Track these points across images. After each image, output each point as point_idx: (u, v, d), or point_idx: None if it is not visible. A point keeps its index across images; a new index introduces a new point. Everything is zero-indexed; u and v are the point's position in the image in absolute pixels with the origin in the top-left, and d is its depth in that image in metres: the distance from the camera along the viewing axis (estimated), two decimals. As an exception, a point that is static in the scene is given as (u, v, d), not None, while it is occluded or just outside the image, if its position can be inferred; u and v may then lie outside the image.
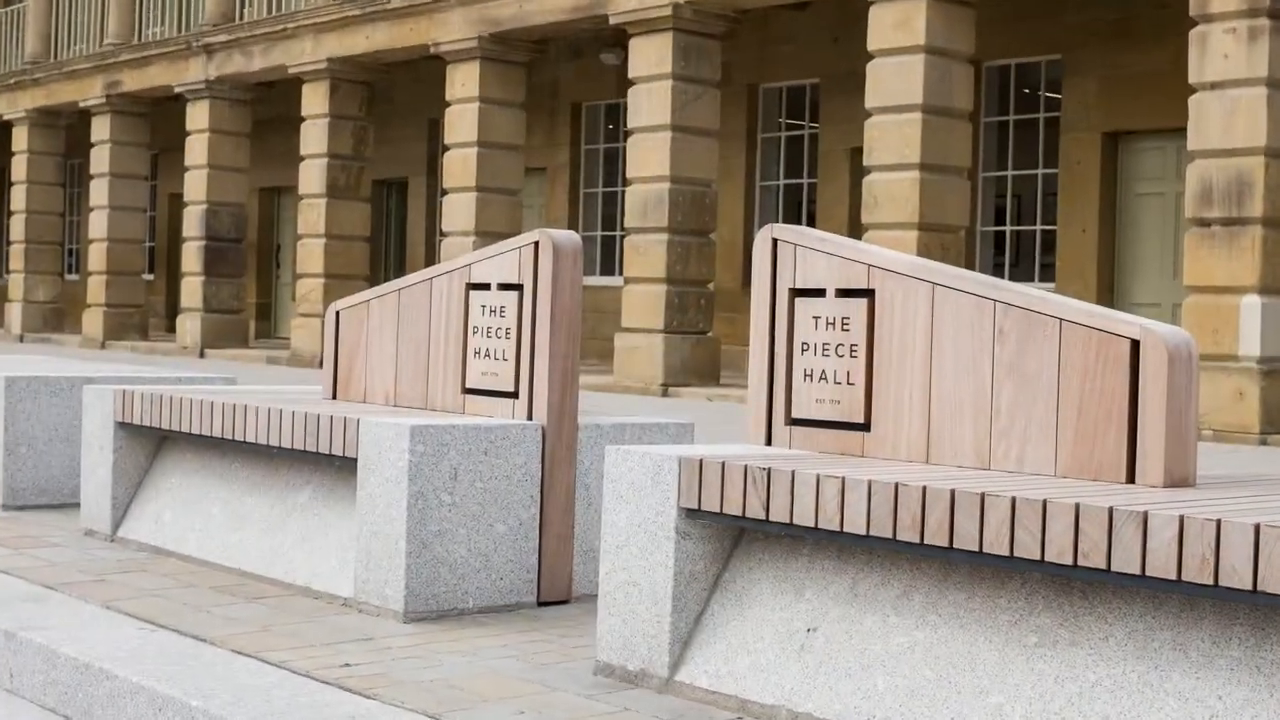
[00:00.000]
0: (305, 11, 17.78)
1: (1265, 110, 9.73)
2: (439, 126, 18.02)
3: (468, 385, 4.10)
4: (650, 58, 13.70)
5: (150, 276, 24.54)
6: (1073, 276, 13.95)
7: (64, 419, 5.42)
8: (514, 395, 3.93)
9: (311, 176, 17.83)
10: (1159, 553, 2.35)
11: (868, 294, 3.17)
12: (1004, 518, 2.53)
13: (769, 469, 2.87)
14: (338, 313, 4.59)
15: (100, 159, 21.52)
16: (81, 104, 21.93)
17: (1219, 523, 2.29)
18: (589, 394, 11.69)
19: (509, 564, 3.78)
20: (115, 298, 21.43)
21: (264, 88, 19.84)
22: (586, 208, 18.88)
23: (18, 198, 23.62)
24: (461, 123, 15.83)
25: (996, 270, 14.79)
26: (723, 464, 2.94)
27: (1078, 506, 2.44)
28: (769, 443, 3.34)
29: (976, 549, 2.57)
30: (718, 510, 2.95)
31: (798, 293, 3.29)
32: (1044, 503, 2.49)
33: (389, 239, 21.97)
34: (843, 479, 2.76)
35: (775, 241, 3.33)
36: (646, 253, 13.73)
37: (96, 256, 21.56)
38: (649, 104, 13.71)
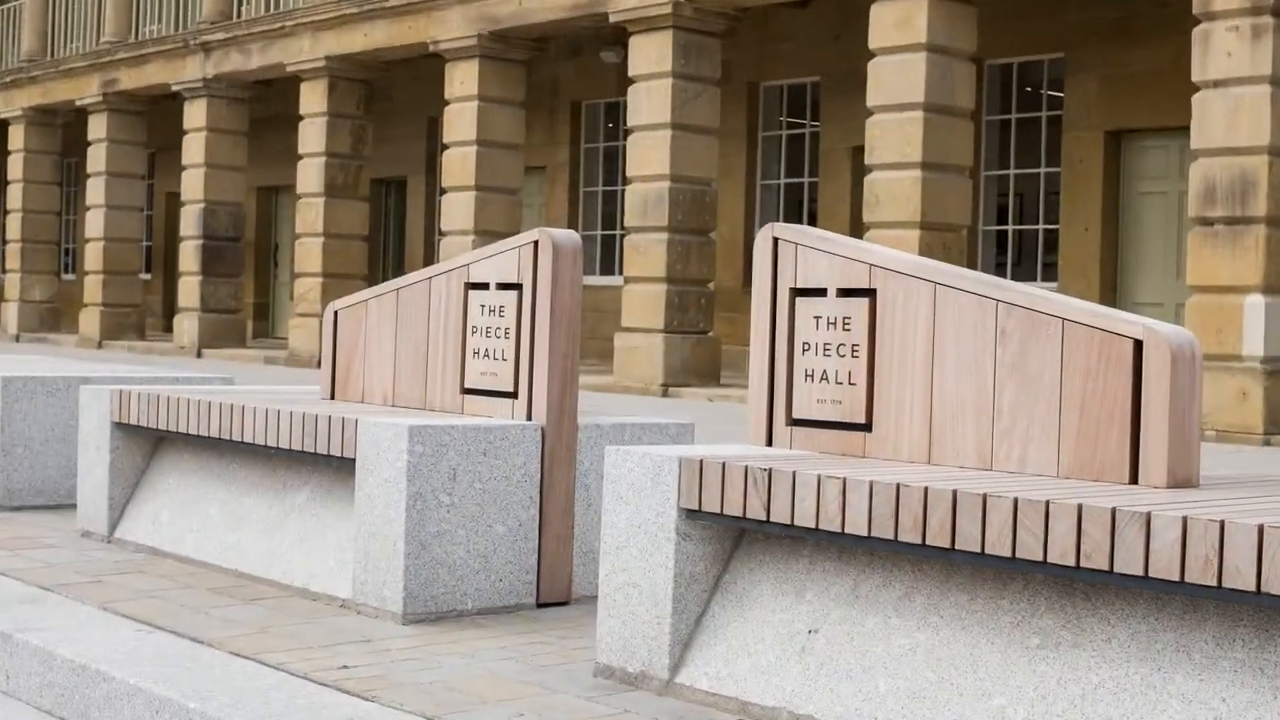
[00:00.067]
0: (303, 9, 17.76)
1: (1269, 108, 9.71)
2: (438, 125, 18.01)
3: (467, 385, 4.08)
4: (650, 56, 13.69)
5: (147, 276, 24.54)
6: (1075, 276, 13.93)
7: (60, 419, 5.41)
8: (513, 395, 3.92)
9: (309, 175, 17.81)
10: (1162, 554, 2.34)
11: (869, 294, 3.16)
12: (1006, 519, 2.53)
13: (770, 470, 2.86)
14: (336, 312, 4.58)
15: (97, 158, 21.50)
16: (78, 102, 21.91)
17: (1222, 524, 2.28)
18: (589, 394, 11.67)
19: (508, 565, 3.76)
20: (112, 297, 21.40)
21: (262, 86, 19.82)
22: (586, 207, 18.87)
23: (14, 197, 23.58)
24: (460, 121, 15.81)
25: (999, 270, 14.78)
26: (723, 464, 2.92)
27: (1080, 507, 2.44)
28: (770, 443, 3.33)
29: (979, 550, 2.57)
30: (718, 511, 2.94)
31: (799, 292, 3.28)
32: (1046, 503, 2.48)
33: (387, 238, 21.96)
34: (844, 480, 2.75)
35: (776, 241, 3.32)
36: (646, 252, 13.72)
37: (93, 256, 21.53)
38: (649, 102, 13.70)
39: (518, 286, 3.92)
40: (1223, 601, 2.39)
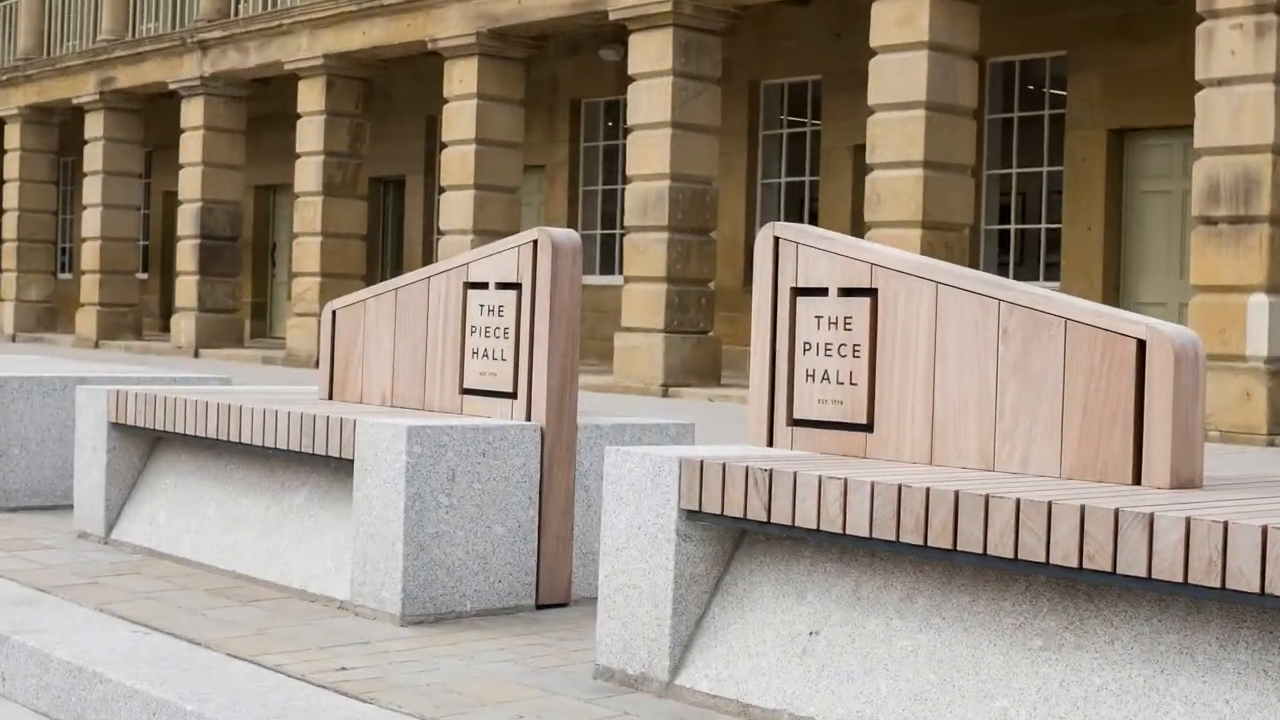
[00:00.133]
0: (301, 7, 17.74)
1: (1273, 107, 9.68)
2: (436, 123, 17.99)
3: (466, 385, 4.07)
4: (650, 54, 13.67)
5: (144, 275, 24.51)
6: (1078, 275, 13.91)
7: (57, 420, 5.39)
8: (512, 395, 3.91)
9: (307, 174, 17.79)
10: (1165, 555, 2.34)
11: (870, 293, 3.14)
12: (1008, 520, 2.52)
13: (771, 470, 2.85)
14: (334, 312, 4.56)
15: (94, 156, 21.47)
16: (75, 101, 21.88)
17: (1226, 525, 2.27)
18: (588, 394, 11.66)
19: (507, 566, 3.75)
20: (109, 297, 21.37)
21: (259, 84, 19.79)
22: (586, 206, 18.86)
23: (10, 195, 23.53)
24: (459, 120, 15.80)
25: (1001, 269, 14.76)
26: (724, 465, 2.91)
27: (1083, 508, 2.43)
28: (770, 444, 3.32)
29: (981, 551, 2.56)
30: (719, 512, 2.93)
31: (800, 292, 3.27)
32: (1049, 504, 2.47)
33: (386, 237, 21.95)
34: (845, 480, 2.74)
35: (777, 240, 3.31)
36: (646, 251, 13.70)
37: (90, 255, 21.51)
38: (649, 101, 13.68)
39: (517, 286, 3.90)
40: (1226, 603, 2.39)
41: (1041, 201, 14.70)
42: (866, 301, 3.15)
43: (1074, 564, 2.44)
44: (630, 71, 13.93)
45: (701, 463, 2.95)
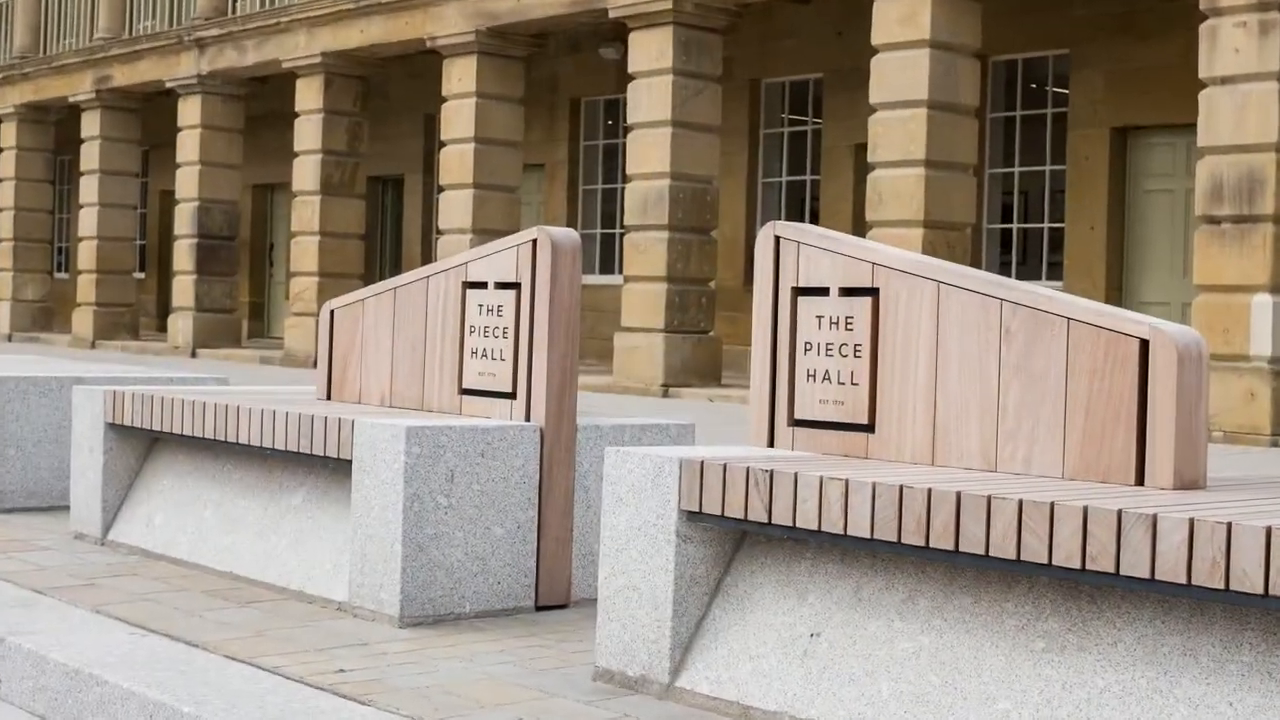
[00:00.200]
0: (299, 5, 17.72)
1: (1276, 105, 9.66)
2: (435, 122, 17.98)
3: (464, 385, 4.05)
4: (650, 52, 13.65)
5: (141, 275, 24.48)
6: (1080, 275, 13.89)
7: (53, 420, 5.37)
8: (511, 396, 3.89)
9: (305, 173, 17.78)
10: (1168, 556, 2.33)
11: (872, 293, 3.13)
12: (1011, 520, 2.51)
13: (771, 471, 2.83)
14: (332, 312, 4.54)
15: (90, 155, 21.45)
16: (71, 99, 21.86)
17: (1230, 526, 2.27)
18: (588, 394, 11.65)
19: (506, 568, 3.73)
20: (105, 296, 21.35)
21: (257, 83, 19.77)
22: (585, 205, 18.84)
23: (6, 194, 23.51)
24: (458, 118, 15.78)
25: (1003, 268, 14.74)
26: (724, 466, 2.90)
27: (1086, 509, 2.42)
28: (771, 444, 3.30)
29: (983, 552, 2.55)
30: (719, 513, 2.92)
31: (801, 291, 3.25)
32: (1051, 505, 2.47)
33: (384, 237, 21.93)
34: (846, 481, 2.73)
35: (778, 239, 3.30)
36: (647, 251, 13.68)
37: (86, 254, 21.49)
38: (649, 99, 13.66)
39: (516, 286, 3.89)
40: (1230, 605, 2.38)
41: (1044, 200, 14.68)
42: (868, 301, 3.13)
43: (1077, 565, 2.43)
44: (630, 70, 13.92)
45: (702, 463, 2.94)
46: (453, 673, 3.12)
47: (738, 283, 16.46)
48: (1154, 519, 2.34)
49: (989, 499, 2.53)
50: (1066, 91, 14.25)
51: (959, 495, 2.57)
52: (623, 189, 15.06)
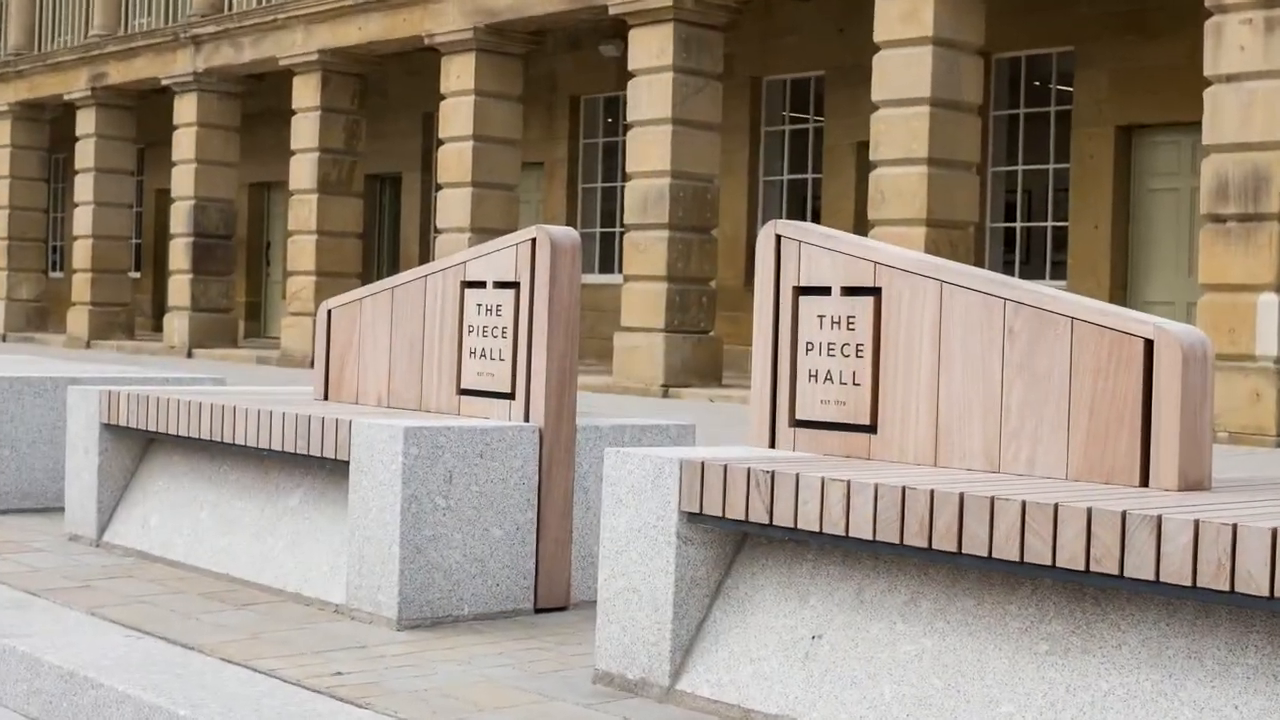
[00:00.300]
0: (296, 2, 17.70)
1: (1283, 104, 9.64)
2: (433, 120, 17.97)
3: (463, 386, 4.03)
4: (651, 49, 13.63)
5: (136, 274, 24.44)
6: (1085, 274, 13.87)
7: (48, 420, 5.35)
8: (510, 396, 3.87)
9: (302, 171, 17.76)
10: (1173, 558, 2.32)
11: (874, 292, 3.11)
12: (1014, 522, 2.50)
13: (772, 472, 2.82)
14: (329, 311, 4.52)
15: (85, 153, 21.43)
16: (66, 97, 21.83)
17: (1235, 527, 2.26)
18: (587, 395, 11.64)
19: (505, 570, 3.71)
20: (100, 296, 21.33)
21: (254, 80, 19.75)
22: (585, 203, 18.83)
23: (0, 193, 23.50)
24: (457, 116, 15.76)
25: (1006, 268, 14.72)
26: (725, 467, 2.88)
27: (1090, 510, 2.41)
28: (772, 445, 3.29)
29: (986, 554, 2.54)
30: (720, 514, 2.90)
31: (802, 291, 3.23)
32: (1055, 506, 2.46)
33: (382, 235, 21.91)
34: (848, 482, 2.71)
35: (779, 238, 3.28)
36: (647, 250, 13.66)
37: (81, 254, 21.47)
38: (649, 97, 13.64)
39: (515, 285, 3.86)
40: (1235, 607, 2.37)
41: (1048, 199, 14.66)
42: (870, 301, 3.11)
43: (1081, 567, 2.42)
44: (630, 67, 13.90)
45: (702, 464, 2.92)
46: (451, 675, 3.10)
47: (738, 282, 16.45)
48: (1159, 520, 2.33)
49: (992, 500, 2.52)
50: (1071, 89, 14.22)
51: (962, 496, 2.56)
52: (623, 187, 15.04)
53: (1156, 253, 13.74)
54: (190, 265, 19.46)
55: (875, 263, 3.12)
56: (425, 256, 20.44)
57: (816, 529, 2.76)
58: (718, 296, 14.40)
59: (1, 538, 4.77)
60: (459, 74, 15.75)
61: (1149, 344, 2.71)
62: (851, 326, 3.14)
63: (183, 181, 19.58)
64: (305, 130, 17.71)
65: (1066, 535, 2.43)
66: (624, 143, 14.67)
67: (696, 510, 2.94)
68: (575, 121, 18.80)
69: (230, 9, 19.16)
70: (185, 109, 19.61)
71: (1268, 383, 9.63)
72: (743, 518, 2.86)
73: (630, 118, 13.92)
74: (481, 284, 3.97)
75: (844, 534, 2.72)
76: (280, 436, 3.96)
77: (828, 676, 2.78)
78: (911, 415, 3.05)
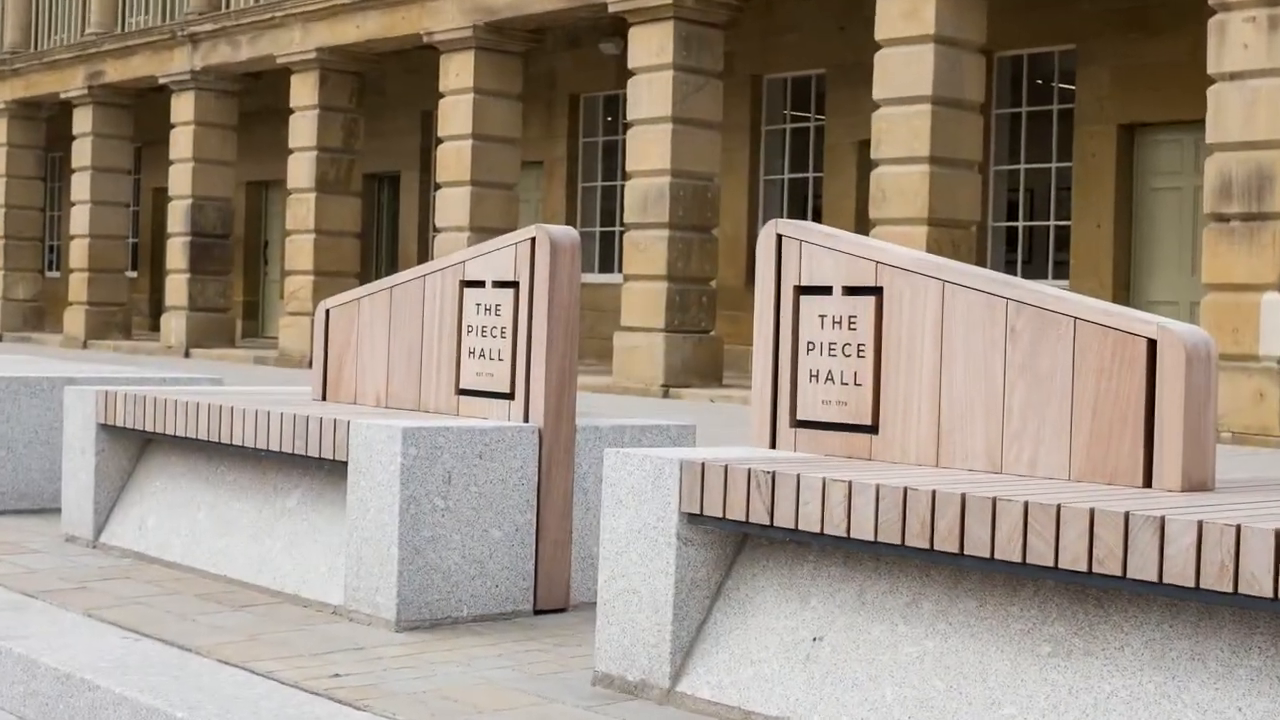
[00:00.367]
0: (294, 0, 17.68)
1: (1286, 102, 9.62)
2: (432, 118, 17.96)
3: (462, 386, 4.02)
4: (651, 47, 13.62)
5: (134, 274, 24.44)
6: (1087, 273, 13.85)
7: (44, 421, 5.34)
8: (510, 396, 3.85)
9: (300, 170, 17.74)
10: (1176, 559, 2.31)
11: (875, 292, 3.10)
12: (1016, 523, 2.49)
13: (773, 473, 2.81)
14: (328, 311, 4.51)
15: (82, 152, 21.40)
16: (63, 95, 21.81)
17: (1239, 528, 2.25)
18: (587, 395, 11.62)
19: (504, 571, 3.70)
20: (97, 295, 21.30)
21: (251, 78, 19.73)
22: (585, 202, 18.82)
23: (-4, 192, 23.51)
24: (455, 114, 15.75)
25: (1009, 267, 14.70)
26: (725, 467, 2.87)
27: (1093, 511, 2.40)
28: (773, 445, 3.28)
29: (988, 555, 2.53)
30: (720, 515, 2.89)
31: (803, 290, 3.22)
32: (1058, 507, 2.45)
33: (380, 235, 21.89)
34: (849, 483, 2.70)
35: (780, 237, 3.27)
36: (647, 249, 13.65)
37: (78, 253, 21.44)
38: (649, 95, 13.63)
39: (514, 285, 3.85)
40: (1238, 608, 2.37)
41: (1050, 198, 14.64)
42: (871, 300, 3.10)
43: (1083, 568, 2.41)
44: (630, 65, 13.88)
45: (703, 465, 2.90)
46: (450, 677, 3.09)
47: (739, 281, 16.43)
48: (1162, 521, 2.32)
49: (994, 501, 2.51)
50: (1073, 87, 14.20)
51: (964, 497, 2.55)
52: (622, 186, 15.02)
53: (1159, 252, 13.72)
54: (187, 264, 19.44)
55: (877, 262, 3.11)
56: (424, 256, 20.42)
57: (818, 530, 2.75)
58: (718, 296, 14.39)
59: (-1, 538, 4.76)
60: (458, 72, 15.73)
61: (1152, 344, 2.70)
62: (853, 326, 3.13)
63: (180, 180, 19.56)
64: (303, 129, 17.69)
65: (1069, 536, 2.42)
66: (624, 141, 14.65)
67: (697, 511, 2.92)
68: (575, 120, 18.79)
69: (227, 7, 19.14)
70: (182, 107, 19.59)
71: (1271, 383, 9.61)
72: (743, 519, 2.85)
73: (630, 116, 13.91)
74: (480, 283, 3.96)
75: (845, 535, 2.71)
76: (278, 437, 3.94)
77: (829, 678, 2.76)
78: (913, 416, 3.03)
